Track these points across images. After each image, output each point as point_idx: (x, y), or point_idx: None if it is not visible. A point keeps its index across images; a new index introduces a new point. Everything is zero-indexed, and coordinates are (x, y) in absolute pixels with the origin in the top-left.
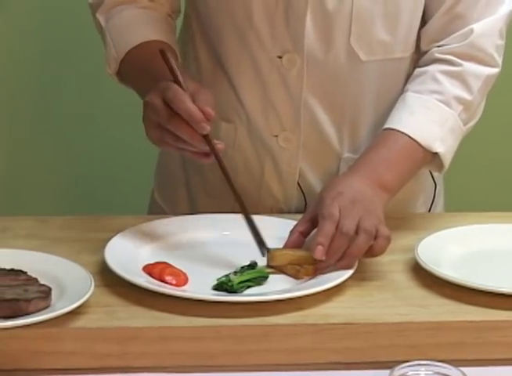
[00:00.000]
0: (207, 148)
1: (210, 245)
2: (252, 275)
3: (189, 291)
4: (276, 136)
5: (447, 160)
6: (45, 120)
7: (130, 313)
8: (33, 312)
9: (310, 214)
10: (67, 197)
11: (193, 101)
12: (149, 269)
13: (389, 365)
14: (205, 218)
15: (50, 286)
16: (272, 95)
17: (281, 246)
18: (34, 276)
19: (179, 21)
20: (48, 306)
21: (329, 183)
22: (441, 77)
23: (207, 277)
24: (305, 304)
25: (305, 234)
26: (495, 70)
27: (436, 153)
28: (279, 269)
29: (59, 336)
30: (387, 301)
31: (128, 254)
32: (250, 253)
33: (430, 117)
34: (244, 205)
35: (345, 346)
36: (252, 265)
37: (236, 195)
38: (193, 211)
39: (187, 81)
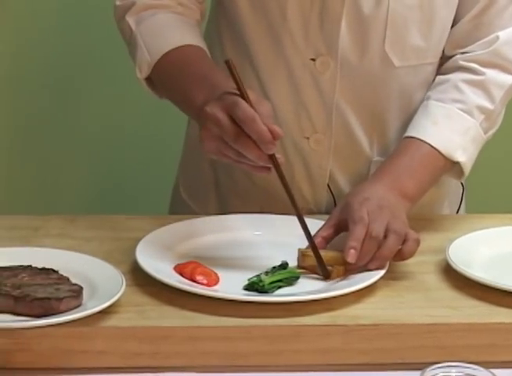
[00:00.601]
0: (269, 164)
1: (241, 245)
2: (283, 275)
3: (220, 290)
4: (307, 138)
5: (467, 168)
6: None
7: (161, 313)
8: (64, 311)
9: (334, 219)
10: (93, 196)
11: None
12: (180, 269)
13: (419, 366)
14: (237, 219)
15: (81, 285)
16: (304, 98)
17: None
18: (65, 275)
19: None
20: (79, 305)
21: (354, 190)
22: (463, 86)
23: (238, 277)
24: (336, 305)
25: (328, 240)
26: None
27: (457, 162)
28: (311, 270)
29: (90, 335)
30: (417, 303)
31: (159, 254)
32: (282, 253)
33: (453, 126)
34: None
35: (375, 347)
36: (283, 266)
37: (295, 207)
38: (223, 210)
39: (247, 92)
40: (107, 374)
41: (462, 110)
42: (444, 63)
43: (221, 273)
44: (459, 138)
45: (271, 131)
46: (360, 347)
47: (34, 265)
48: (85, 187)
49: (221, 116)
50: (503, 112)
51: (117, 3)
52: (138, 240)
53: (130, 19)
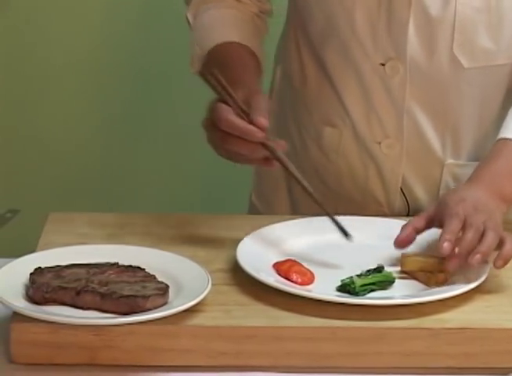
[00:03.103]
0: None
1: (342, 247)
2: (377, 278)
3: (313, 290)
4: (379, 143)
5: None
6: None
7: (246, 312)
8: (150, 309)
9: (428, 213)
10: (177, 195)
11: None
12: (277, 266)
13: (504, 371)
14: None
15: (167, 283)
16: (374, 103)
17: (410, 250)
18: (151, 273)
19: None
20: (165, 303)
21: (450, 190)
22: None
23: (333, 278)
24: (422, 308)
25: (419, 230)
26: None
27: None
28: (412, 275)
29: (175, 333)
30: (503, 307)
31: (258, 253)
32: (379, 257)
33: None
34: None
35: (460, 351)
36: (379, 269)
37: (308, 194)
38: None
39: (240, 90)
40: (191, 372)
41: None
42: None
43: (317, 273)
44: None
45: (255, 123)
46: (445, 350)
47: (120, 263)
48: (171, 186)
49: (207, 123)
50: None
51: None
52: (224, 239)
53: (189, 14)
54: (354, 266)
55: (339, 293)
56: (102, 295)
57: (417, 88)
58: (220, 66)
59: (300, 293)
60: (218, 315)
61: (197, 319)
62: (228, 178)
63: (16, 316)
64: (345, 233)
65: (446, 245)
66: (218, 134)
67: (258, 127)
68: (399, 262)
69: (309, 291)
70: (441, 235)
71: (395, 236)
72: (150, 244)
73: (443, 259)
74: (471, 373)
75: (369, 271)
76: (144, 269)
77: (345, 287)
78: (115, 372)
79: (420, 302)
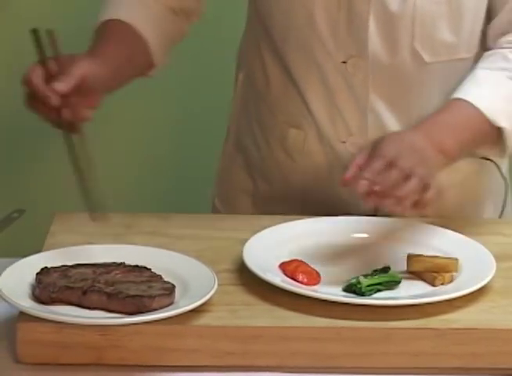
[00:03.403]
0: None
1: (346, 247)
2: (383, 279)
3: (318, 290)
4: (344, 142)
5: (510, 138)
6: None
7: (253, 312)
8: (156, 309)
9: (368, 150)
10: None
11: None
12: (284, 266)
13: (510, 372)
14: (341, 221)
15: (174, 283)
16: (338, 101)
17: (417, 251)
18: (158, 273)
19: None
20: (171, 303)
21: (389, 134)
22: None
23: (339, 278)
24: (428, 308)
25: (362, 167)
26: None
27: (500, 136)
28: (418, 275)
29: (181, 333)
30: (510, 308)
31: (264, 253)
32: (385, 257)
33: (498, 91)
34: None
35: (466, 351)
36: (385, 269)
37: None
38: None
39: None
40: (198, 372)
41: (509, 78)
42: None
43: (323, 273)
44: (505, 103)
45: (52, 88)
46: (451, 351)
47: (126, 263)
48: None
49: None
50: None
51: None
52: (229, 239)
53: None
54: (360, 266)
55: (345, 293)
56: (109, 295)
57: (380, 84)
58: (94, 37)
59: (306, 293)
60: (224, 315)
61: (203, 319)
62: (191, 179)
63: (23, 316)
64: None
65: (363, 183)
66: (26, 93)
67: (56, 91)
68: (405, 262)
69: (315, 291)
70: (362, 172)
71: (397, 234)
72: (156, 244)
73: (450, 260)
74: (478, 373)
75: (375, 271)
76: (150, 269)
77: (351, 288)
78: (121, 372)
79: (426, 303)
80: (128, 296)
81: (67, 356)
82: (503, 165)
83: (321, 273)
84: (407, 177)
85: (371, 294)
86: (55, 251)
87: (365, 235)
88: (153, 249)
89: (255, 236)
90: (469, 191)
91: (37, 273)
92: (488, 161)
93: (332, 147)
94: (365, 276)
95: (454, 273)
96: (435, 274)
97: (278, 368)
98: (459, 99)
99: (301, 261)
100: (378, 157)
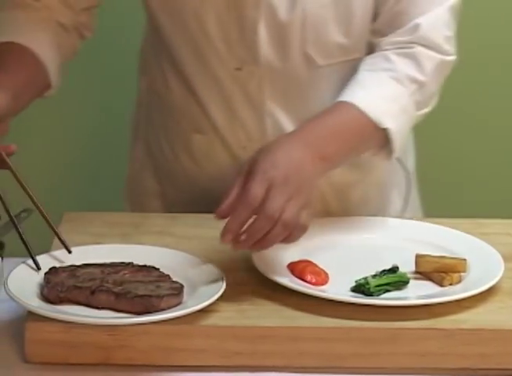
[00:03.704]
0: None
1: (354, 247)
2: (391, 279)
3: (327, 290)
4: (245, 148)
5: (397, 141)
6: None
7: (261, 312)
8: (164, 309)
9: (242, 177)
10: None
11: None
12: (292, 267)
13: None
14: (350, 221)
15: (182, 283)
16: (235, 108)
17: (425, 251)
18: (166, 272)
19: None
20: (179, 303)
21: (268, 146)
22: (393, 56)
23: (347, 279)
24: (436, 308)
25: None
26: (449, 58)
27: (387, 138)
28: (426, 276)
29: (189, 333)
30: None
31: (272, 253)
32: (393, 257)
33: (382, 92)
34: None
35: (474, 352)
36: (393, 270)
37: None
38: None
39: None
40: (205, 372)
41: (392, 77)
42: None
43: (331, 273)
44: (389, 104)
45: None
46: (459, 351)
47: (135, 263)
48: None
49: None
50: (437, 94)
51: None
52: None
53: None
54: (368, 267)
55: (353, 293)
56: (117, 295)
57: (275, 90)
58: None
59: (314, 293)
60: (232, 315)
61: (211, 319)
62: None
63: (31, 316)
64: (66, 248)
65: (227, 236)
66: None
67: None
68: (414, 262)
69: (323, 291)
70: (228, 221)
71: (406, 234)
72: (165, 243)
73: (457, 260)
74: (485, 374)
75: (383, 271)
76: (158, 269)
77: (360, 288)
78: (129, 372)
79: (434, 303)
80: (137, 296)
81: (75, 355)
82: (408, 158)
83: (329, 273)
84: (274, 223)
85: (379, 295)
86: (64, 250)
87: (373, 235)
88: (161, 249)
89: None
90: (372, 185)
91: (45, 273)
92: None
93: (234, 153)
94: (374, 276)
95: (462, 274)
96: (443, 274)
97: (286, 368)
98: (344, 102)
99: (310, 261)
100: (244, 204)
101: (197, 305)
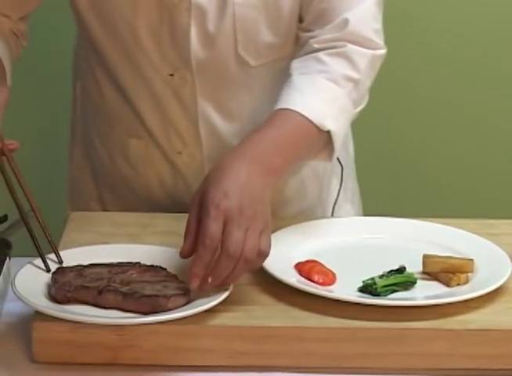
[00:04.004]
0: None
1: (362, 247)
2: (398, 279)
3: (334, 290)
4: (180, 153)
5: (338, 140)
6: None
7: (268, 312)
8: (171, 309)
9: (193, 216)
10: None
11: None
12: (299, 267)
13: None
14: (357, 221)
15: None
16: (169, 114)
17: (432, 251)
18: (173, 272)
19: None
20: (186, 303)
21: (215, 170)
22: (325, 58)
23: (355, 279)
24: (443, 309)
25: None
26: (379, 52)
27: (328, 140)
28: (433, 276)
29: (196, 333)
30: None
31: (279, 253)
32: (401, 257)
33: (320, 95)
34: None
35: (482, 353)
36: (400, 270)
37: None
38: None
39: None
40: (212, 372)
41: (328, 79)
42: (299, 51)
43: (338, 274)
44: (328, 106)
45: None
46: (467, 352)
47: (142, 263)
48: None
49: None
50: (368, 90)
51: None
52: None
53: None
54: (375, 267)
55: (360, 293)
56: (124, 295)
57: (208, 94)
58: None
59: (321, 293)
60: (239, 315)
61: (218, 319)
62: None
63: (38, 315)
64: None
65: (195, 281)
66: None
67: None
68: (421, 262)
69: (331, 291)
70: (191, 266)
71: (413, 234)
72: (172, 243)
73: (465, 260)
74: (493, 374)
75: (390, 272)
76: (166, 269)
77: (367, 288)
78: (136, 371)
79: (441, 303)
80: (144, 296)
81: (83, 355)
82: (349, 147)
83: (336, 274)
84: (237, 260)
85: (386, 295)
86: (71, 250)
87: (380, 235)
88: (168, 249)
89: (271, 236)
90: (309, 176)
91: (52, 273)
92: None
93: (169, 158)
94: (381, 276)
95: (470, 274)
96: (451, 275)
97: (292, 368)
98: (284, 110)
99: (317, 261)
100: (204, 247)
101: (204, 305)
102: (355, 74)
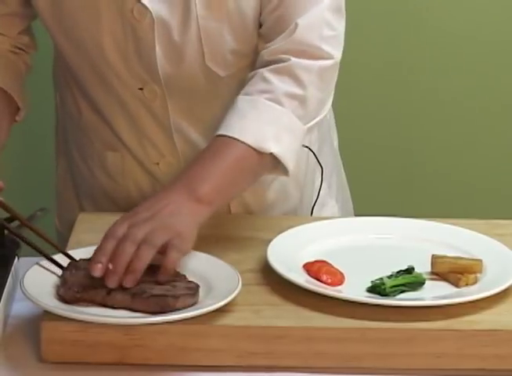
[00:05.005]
0: None
1: (370, 248)
2: (407, 280)
3: (342, 290)
4: (158, 164)
5: (287, 160)
6: None
7: (277, 312)
8: (180, 309)
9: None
10: None
11: None
12: (307, 267)
13: None
14: (365, 221)
15: (198, 283)
16: (143, 127)
17: (441, 252)
18: (182, 272)
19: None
20: (195, 303)
21: (151, 197)
22: (269, 76)
23: (363, 279)
24: (451, 309)
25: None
26: (328, 62)
27: (270, 154)
28: (442, 276)
29: (205, 333)
30: None
31: (288, 253)
32: (409, 258)
33: (261, 117)
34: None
35: (490, 353)
36: (409, 270)
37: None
38: None
39: None
40: (221, 372)
41: (270, 99)
42: (255, 63)
43: (347, 274)
44: (269, 128)
45: None
46: (474, 352)
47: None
48: None
49: None
50: (328, 100)
51: None
52: (253, 239)
53: None
54: (384, 267)
55: (369, 294)
56: (133, 295)
57: (180, 106)
58: None
59: (330, 293)
60: (247, 315)
61: (227, 319)
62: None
63: (47, 315)
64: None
65: (98, 267)
66: None
67: None
68: (430, 263)
69: (339, 291)
70: (93, 255)
71: (421, 234)
72: None
73: (473, 261)
74: (502, 375)
75: (399, 272)
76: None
77: (375, 288)
78: (145, 371)
79: (450, 304)
80: (152, 296)
81: (91, 355)
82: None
83: (345, 274)
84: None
85: (395, 295)
86: (79, 250)
87: (389, 235)
88: None
89: (279, 236)
90: (290, 181)
91: (64, 269)
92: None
93: (147, 169)
94: (390, 276)
95: (478, 274)
96: (459, 275)
97: (301, 368)
98: (223, 137)
99: (325, 261)
100: (106, 239)
101: (213, 305)
102: (299, 91)
